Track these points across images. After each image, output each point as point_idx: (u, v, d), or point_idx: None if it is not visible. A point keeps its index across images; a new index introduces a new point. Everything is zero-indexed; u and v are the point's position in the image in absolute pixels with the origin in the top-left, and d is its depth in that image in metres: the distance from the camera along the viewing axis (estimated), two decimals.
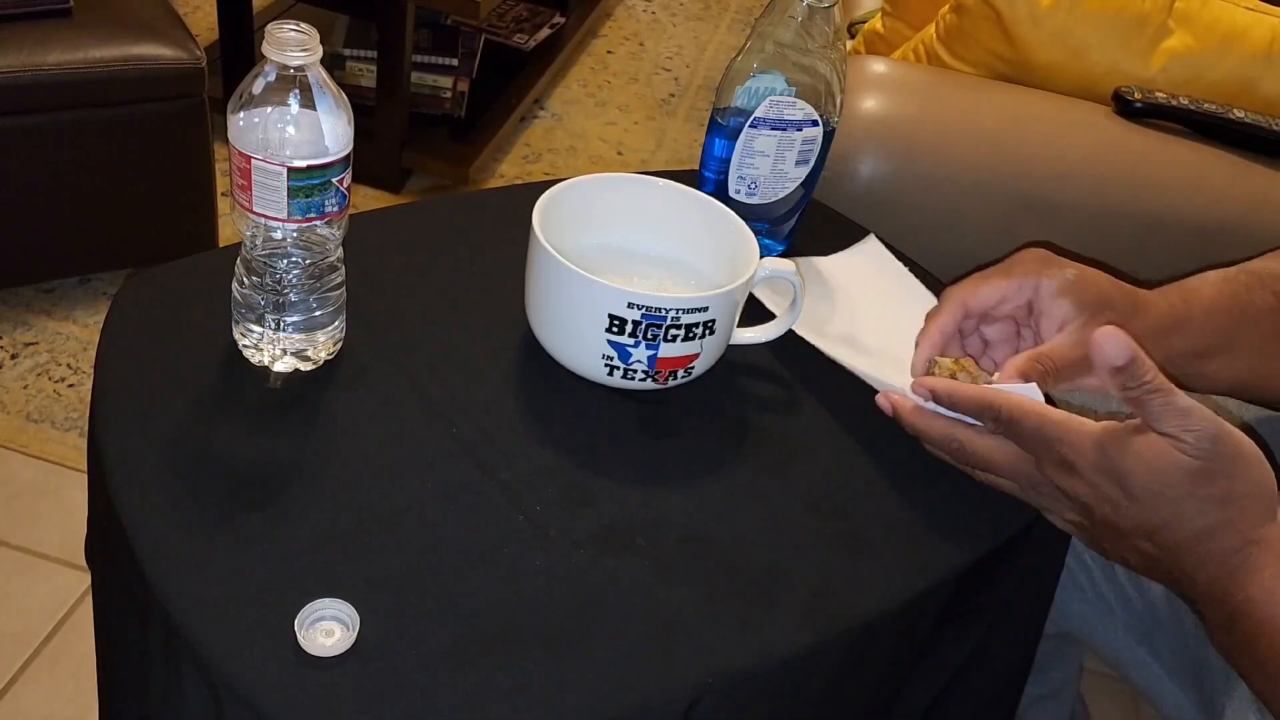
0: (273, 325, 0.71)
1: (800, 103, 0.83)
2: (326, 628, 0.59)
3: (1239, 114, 1.20)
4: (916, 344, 0.72)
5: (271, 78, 0.64)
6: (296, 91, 0.65)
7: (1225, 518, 0.59)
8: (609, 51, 3.02)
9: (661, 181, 0.82)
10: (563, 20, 2.82)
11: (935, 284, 0.93)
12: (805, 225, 0.93)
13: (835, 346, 0.79)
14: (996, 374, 0.68)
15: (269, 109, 0.65)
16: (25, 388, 1.68)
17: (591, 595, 0.63)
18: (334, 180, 0.67)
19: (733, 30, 3.28)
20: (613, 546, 0.66)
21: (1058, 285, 0.69)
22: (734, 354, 0.79)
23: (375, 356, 0.75)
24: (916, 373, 0.71)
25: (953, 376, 0.69)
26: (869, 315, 0.86)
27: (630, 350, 0.72)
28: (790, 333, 0.80)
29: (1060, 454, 0.62)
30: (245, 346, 0.73)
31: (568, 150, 2.52)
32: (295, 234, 0.69)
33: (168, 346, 0.73)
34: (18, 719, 1.30)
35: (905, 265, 0.92)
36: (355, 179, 0.70)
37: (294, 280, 0.70)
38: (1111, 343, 0.57)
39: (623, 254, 0.81)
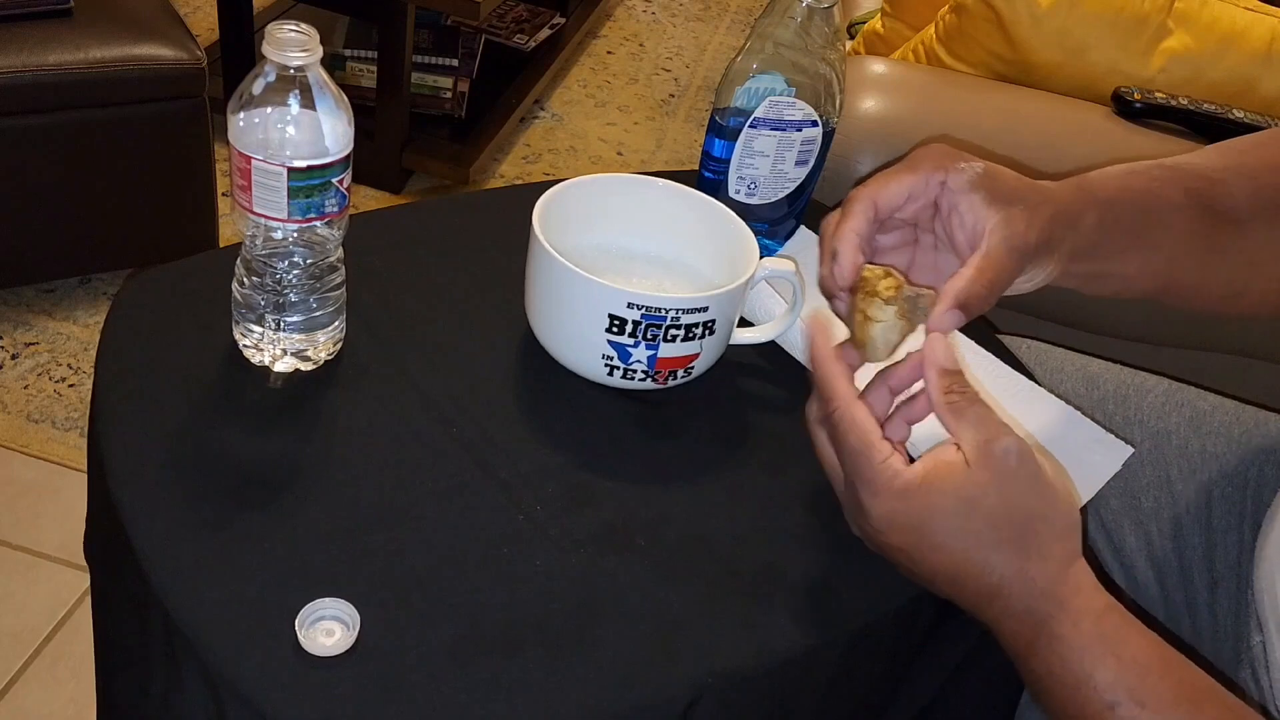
0: (273, 325, 0.71)
1: (800, 103, 0.84)
2: (327, 627, 0.59)
3: (1238, 114, 1.20)
4: (831, 248, 0.65)
5: (271, 78, 0.64)
6: (296, 92, 0.65)
7: (1021, 567, 0.57)
8: (609, 52, 3.02)
9: (661, 181, 0.82)
10: (563, 21, 2.82)
11: None
12: (805, 225, 0.93)
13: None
14: (928, 289, 0.65)
15: (269, 109, 0.65)
16: (26, 388, 1.68)
17: (591, 595, 0.63)
18: (334, 180, 0.67)
19: (732, 31, 3.28)
20: (613, 546, 0.66)
21: (968, 179, 0.64)
22: (734, 354, 0.79)
23: (375, 356, 0.75)
24: (844, 280, 0.65)
25: (875, 290, 0.64)
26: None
27: (630, 350, 0.72)
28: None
29: (858, 495, 0.60)
30: (245, 346, 0.73)
31: (568, 151, 2.53)
32: (295, 234, 0.69)
33: (168, 347, 0.74)
34: (18, 718, 1.30)
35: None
36: (355, 179, 0.70)
37: (294, 280, 0.70)
38: (942, 347, 0.61)
39: (623, 254, 0.82)
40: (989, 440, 0.58)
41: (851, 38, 1.78)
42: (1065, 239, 0.65)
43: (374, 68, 2.19)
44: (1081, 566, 0.58)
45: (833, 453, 0.63)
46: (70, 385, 1.69)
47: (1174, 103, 1.20)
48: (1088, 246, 0.66)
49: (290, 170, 0.65)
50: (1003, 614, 0.58)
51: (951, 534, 0.58)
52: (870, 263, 0.65)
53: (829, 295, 0.66)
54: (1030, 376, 0.83)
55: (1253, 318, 0.77)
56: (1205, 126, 1.20)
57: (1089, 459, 0.74)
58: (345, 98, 0.67)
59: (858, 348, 0.66)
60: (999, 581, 0.58)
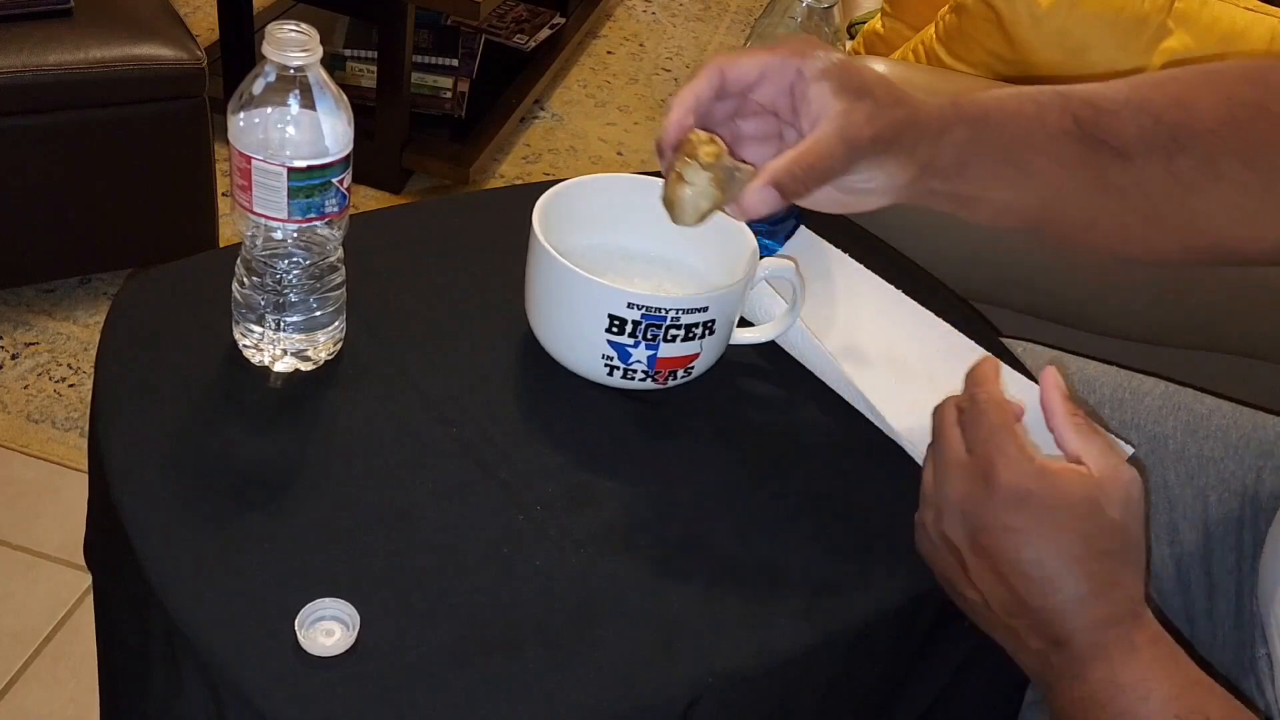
0: (273, 325, 0.71)
1: None
2: (327, 627, 0.59)
3: None
4: (668, 108, 0.63)
5: (271, 78, 0.64)
6: (296, 92, 0.65)
7: (1118, 578, 0.60)
8: (609, 52, 3.02)
9: (661, 181, 0.82)
10: (563, 21, 2.82)
11: (916, 276, 0.93)
12: (805, 226, 0.93)
13: (838, 356, 0.79)
14: (750, 166, 0.63)
15: (269, 109, 0.65)
16: (26, 388, 1.68)
17: (591, 595, 0.63)
18: (334, 180, 0.67)
19: (733, 31, 3.28)
20: (613, 546, 0.66)
21: (821, 67, 0.62)
22: (734, 354, 0.79)
23: (375, 356, 0.75)
24: (666, 136, 0.63)
25: (694, 153, 0.62)
26: (850, 315, 0.86)
27: (630, 350, 0.72)
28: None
29: (991, 461, 0.60)
30: (245, 347, 0.73)
31: (568, 151, 2.53)
32: (295, 234, 0.69)
33: (168, 347, 0.74)
34: (18, 718, 1.30)
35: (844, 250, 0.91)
36: (355, 180, 0.70)
37: (294, 280, 0.70)
38: (1062, 377, 0.64)
39: (623, 254, 0.82)
40: (1117, 465, 0.61)
41: (851, 38, 1.77)
42: (918, 150, 0.63)
43: (374, 68, 2.19)
44: None
45: (958, 434, 0.63)
46: (70, 385, 1.69)
47: None
48: (953, 165, 0.64)
49: (290, 170, 0.65)
50: (1083, 624, 0.59)
51: (1074, 524, 0.59)
52: (705, 129, 0.64)
53: (659, 152, 0.65)
54: (1031, 378, 0.83)
55: (1160, 265, 0.74)
56: None
57: None
58: (345, 98, 0.67)
59: (667, 208, 0.65)
60: (1099, 586, 0.59)
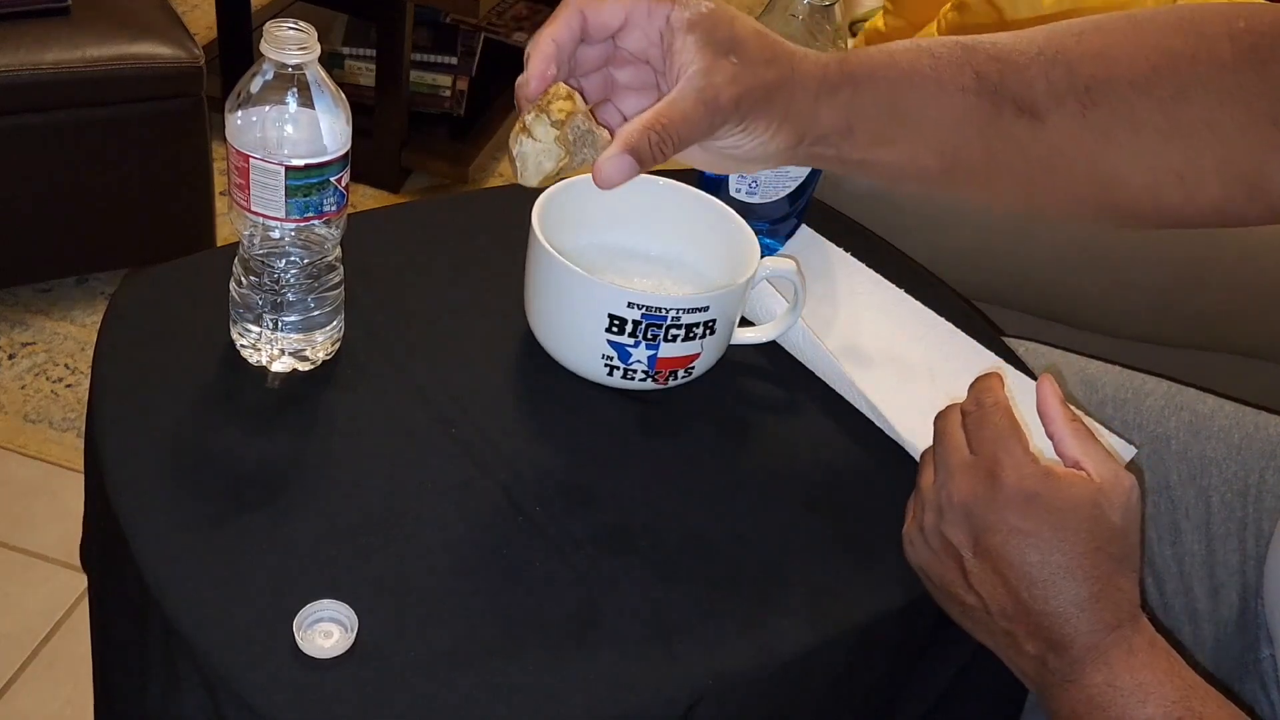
0: (270, 325, 0.71)
1: None
2: (325, 629, 0.58)
3: None
4: (528, 55, 0.58)
5: (269, 76, 0.64)
6: (295, 90, 0.64)
7: (1118, 581, 0.60)
8: None
9: (661, 181, 0.81)
10: None
11: (917, 275, 0.93)
12: (806, 225, 0.92)
13: (839, 357, 0.79)
14: (605, 131, 0.59)
15: (267, 108, 0.65)
16: (23, 388, 1.67)
17: (591, 596, 0.63)
18: (332, 179, 0.67)
19: None
20: (613, 546, 0.66)
21: (689, 17, 0.57)
22: (734, 354, 0.78)
23: (373, 356, 0.75)
24: (528, 92, 0.58)
25: (545, 107, 0.58)
26: (851, 315, 0.86)
27: (630, 350, 0.72)
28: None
29: (998, 462, 0.61)
30: (243, 346, 0.73)
31: None
32: (293, 233, 0.68)
33: (165, 346, 0.73)
34: None
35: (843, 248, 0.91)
36: (354, 178, 0.70)
37: (292, 280, 0.70)
38: (1057, 384, 0.64)
39: (623, 254, 0.81)
40: (1117, 471, 0.61)
41: (853, 35, 1.77)
42: (792, 114, 0.59)
43: (372, 66, 2.19)
44: None
45: (963, 436, 0.64)
46: (67, 385, 1.69)
47: None
48: (837, 129, 0.60)
49: (288, 169, 0.65)
50: (1084, 628, 0.59)
51: (1079, 528, 0.59)
52: (569, 84, 0.59)
53: (518, 104, 0.60)
54: (1033, 377, 0.82)
55: (1054, 220, 0.72)
56: None
57: None
58: (343, 96, 0.67)
59: (510, 161, 0.60)
60: (1100, 589, 0.59)
